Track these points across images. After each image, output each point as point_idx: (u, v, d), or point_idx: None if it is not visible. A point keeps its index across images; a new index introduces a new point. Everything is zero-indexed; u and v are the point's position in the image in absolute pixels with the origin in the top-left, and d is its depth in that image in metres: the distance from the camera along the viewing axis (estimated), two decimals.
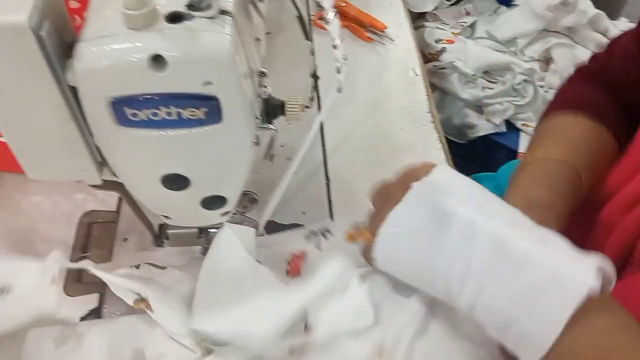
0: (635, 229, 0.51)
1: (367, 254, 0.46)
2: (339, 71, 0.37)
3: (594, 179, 0.57)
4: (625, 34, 0.61)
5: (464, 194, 0.43)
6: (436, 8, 1.18)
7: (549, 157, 0.56)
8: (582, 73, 0.64)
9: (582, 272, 0.37)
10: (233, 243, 0.50)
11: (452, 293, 0.41)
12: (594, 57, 0.64)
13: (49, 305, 0.48)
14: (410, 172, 0.47)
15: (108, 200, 0.64)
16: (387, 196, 0.46)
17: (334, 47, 0.35)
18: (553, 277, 0.37)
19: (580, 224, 0.61)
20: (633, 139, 0.56)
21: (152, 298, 0.47)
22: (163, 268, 0.52)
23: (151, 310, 0.47)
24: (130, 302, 0.48)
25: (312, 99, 0.43)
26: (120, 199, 0.63)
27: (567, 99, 0.63)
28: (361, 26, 0.82)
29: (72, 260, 0.59)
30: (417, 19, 1.19)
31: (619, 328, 0.38)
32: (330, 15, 0.33)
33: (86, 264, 0.50)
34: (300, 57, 0.80)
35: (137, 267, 0.51)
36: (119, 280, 0.48)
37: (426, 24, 1.18)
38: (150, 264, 0.52)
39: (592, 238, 0.57)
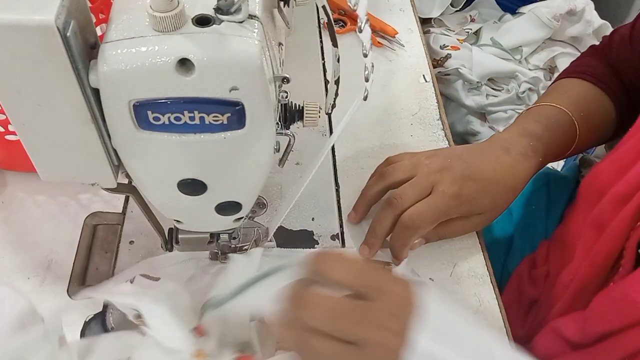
0: (625, 230, 0.53)
1: None
2: (367, 79, 0.36)
3: (589, 132, 0.67)
4: (626, 24, 0.70)
5: (458, 343, 0.39)
6: (442, 14, 1.18)
7: (548, 105, 0.66)
8: (592, 49, 0.75)
9: None
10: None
11: None
12: (603, 37, 0.74)
13: None
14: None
15: (114, 202, 0.63)
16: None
17: (365, 55, 0.34)
18: None
19: (571, 226, 0.62)
20: (624, 135, 0.59)
21: (145, 314, 0.47)
22: (157, 279, 0.51)
23: (147, 326, 0.47)
24: (131, 317, 0.48)
25: (334, 106, 0.42)
26: (126, 201, 0.62)
27: (574, 68, 0.73)
28: (372, 31, 0.82)
29: (77, 261, 0.58)
30: (423, 24, 1.19)
31: None
32: (363, 23, 0.33)
33: (87, 294, 0.50)
34: (309, 60, 0.79)
35: (132, 281, 0.49)
36: (113, 299, 0.48)
37: (431, 29, 1.18)
38: (144, 275, 0.51)
39: (583, 239, 0.57)
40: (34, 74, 0.33)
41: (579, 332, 0.53)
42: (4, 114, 0.54)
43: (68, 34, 0.31)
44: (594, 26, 1.09)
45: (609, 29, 1.11)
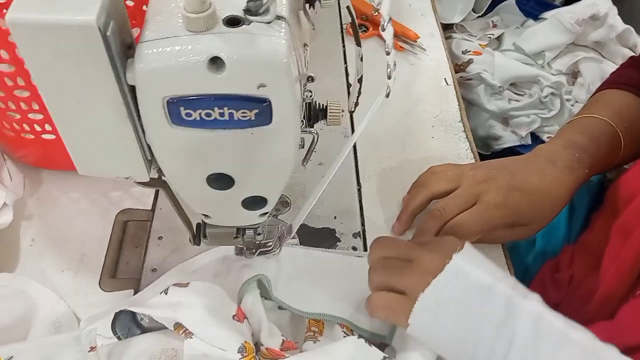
0: None
1: (390, 311, 0.48)
2: (389, 77, 0.38)
3: (634, 144, 0.66)
4: None
5: (495, 273, 0.46)
6: (464, 19, 1.19)
7: (592, 116, 0.64)
8: (631, 61, 0.74)
9: (610, 350, 0.43)
10: None
11: None
12: None
13: None
14: (431, 240, 0.52)
15: (144, 199, 0.65)
16: (409, 254, 0.50)
17: (387, 53, 0.36)
18: (587, 354, 0.42)
19: (598, 232, 0.62)
20: None
21: (185, 323, 0.48)
22: (187, 284, 0.52)
23: (191, 334, 0.48)
24: (171, 327, 0.50)
25: (357, 104, 0.44)
26: (155, 198, 0.65)
27: (616, 79, 0.72)
28: (394, 36, 0.83)
29: (108, 255, 0.61)
30: (445, 30, 1.20)
31: None
32: (386, 22, 0.34)
33: (125, 305, 0.51)
34: (332, 64, 0.81)
35: (166, 292, 0.51)
36: (151, 312, 0.50)
37: (453, 35, 1.19)
38: (176, 284, 0.52)
39: (609, 246, 0.58)
40: (75, 71, 0.35)
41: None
42: (40, 113, 0.57)
43: (108, 34, 0.33)
44: (617, 31, 1.09)
45: (632, 34, 1.11)
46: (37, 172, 0.67)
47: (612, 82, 0.72)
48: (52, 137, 0.60)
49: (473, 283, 0.45)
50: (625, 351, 0.51)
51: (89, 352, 0.50)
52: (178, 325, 0.49)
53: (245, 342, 0.49)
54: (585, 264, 0.63)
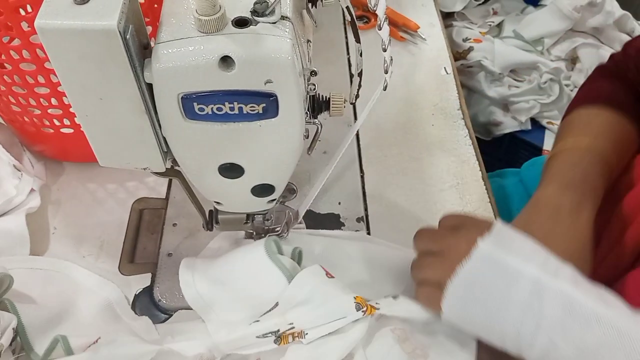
0: None
1: (429, 303, 0.50)
2: (386, 71, 0.41)
3: (621, 163, 0.62)
4: (638, 37, 0.66)
5: (525, 252, 0.46)
6: (465, 7, 1.21)
7: (576, 146, 0.60)
8: (601, 70, 0.70)
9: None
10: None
11: (522, 346, 0.44)
12: (612, 56, 0.69)
13: None
14: (462, 223, 0.51)
15: (157, 188, 0.68)
16: (441, 246, 0.50)
17: (384, 50, 0.39)
18: (618, 335, 0.41)
19: (600, 213, 0.64)
20: None
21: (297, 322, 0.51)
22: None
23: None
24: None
25: (357, 96, 0.47)
26: (169, 187, 0.68)
27: (588, 94, 0.68)
28: (394, 26, 0.86)
29: (126, 241, 0.64)
30: (445, 18, 1.22)
31: None
32: (382, 22, 0.37)
33: None
34: (335, 55, 0.84)
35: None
36: None
37: (454, 23, 1.21)
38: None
39: (610, 227, 0.59)
40: (98, 72, 0.38)
41: None
42: (59, 109, 0.61)
43: (127, 37, 0.36)
44: (614, 17, 1.11)
45: (629, 20, 1.13)
46: (55, 164, 0.70)
47: (584, 97, 0.67)
48: (71, 130, 0.63)
49: (498, 267, 0.45)
50: None
51: None
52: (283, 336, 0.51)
53: (356, 297, 0.51)
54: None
